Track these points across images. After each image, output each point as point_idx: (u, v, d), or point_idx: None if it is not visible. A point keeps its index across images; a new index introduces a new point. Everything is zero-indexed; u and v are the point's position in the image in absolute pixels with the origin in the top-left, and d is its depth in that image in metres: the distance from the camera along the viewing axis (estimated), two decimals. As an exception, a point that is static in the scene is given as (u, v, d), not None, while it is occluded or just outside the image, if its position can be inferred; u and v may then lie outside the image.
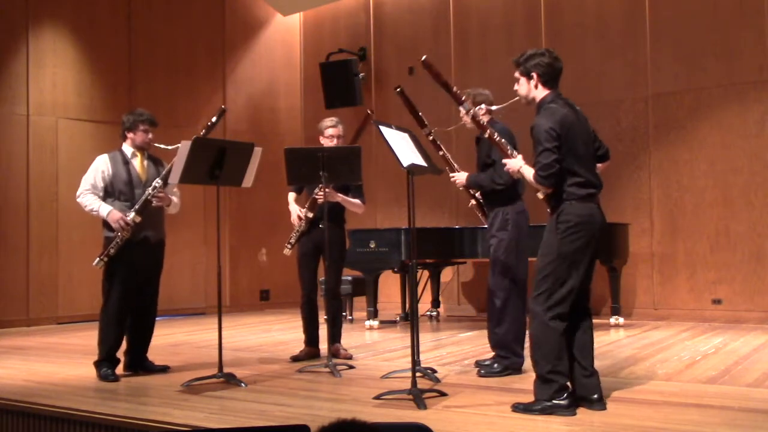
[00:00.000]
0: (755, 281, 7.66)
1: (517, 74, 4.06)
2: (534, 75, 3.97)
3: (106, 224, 5.08)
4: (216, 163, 4.75)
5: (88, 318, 8.49)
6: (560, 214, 3.83)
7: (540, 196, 3.96)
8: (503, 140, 4.31)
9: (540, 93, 3.99)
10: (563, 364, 3.79)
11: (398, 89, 5.06)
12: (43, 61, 8.73)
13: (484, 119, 4.71)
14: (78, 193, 5.12)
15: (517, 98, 4.15)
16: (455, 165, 5.13)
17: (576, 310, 3.88)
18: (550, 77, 3.97)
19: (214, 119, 5.16)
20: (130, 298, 5.11)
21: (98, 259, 5.04)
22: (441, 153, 5.12)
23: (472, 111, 4.64)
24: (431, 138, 5.11)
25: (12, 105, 8.53)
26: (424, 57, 4.80)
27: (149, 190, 5.07)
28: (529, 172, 3.90)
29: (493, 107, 4.91)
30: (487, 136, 4.40)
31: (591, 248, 3.84)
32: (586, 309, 3.95)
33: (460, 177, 5.04)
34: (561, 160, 3.79)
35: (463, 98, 4.77)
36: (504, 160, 4.18)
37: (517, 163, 4.06)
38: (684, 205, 8.07)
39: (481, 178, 4.96)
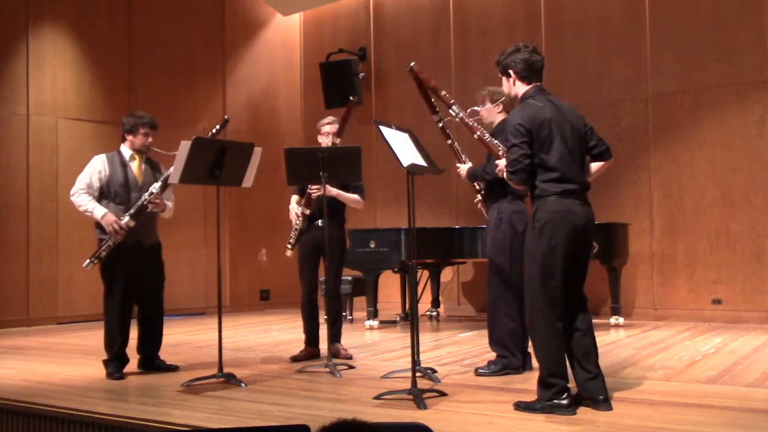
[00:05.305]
0: (755, 281, 7.66)
1: (499, 74, 4.08)
2: (511, 72, 3.98)
3: (99, 225, 5.08)
4: (216, 163, 4.75)
5: (88, 318, 8.49)
6: (535, 212, 3.80)
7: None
8: (495, 141, 4.34)
9: (521, 89, 3.98)
10: (563, 367, 3.78)
11: (410, 68, 4.86)
12: (43, 61, 8.73)
13: (484, 118, 4.81)
14: (72, 192, 5.11)
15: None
16: (462, 156, 5.02)
17: (569, 311, 3.82)
18: (528, 72, 3.95)
19: (216, 128, 5.07)
20: (130, 300, 5.16)
21: (88, 260, 5.03)
22: (449, 142, 5.03)
23: (461, 114, 4.67)
24: (441, 126, 5.00)
25: (12, 105, 8.52)
26: (412, 63, 4.80)
27: (146, 195, 5.06)
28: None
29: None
30: (477, 137, 4.43)
31: (571, 245, 3.72)
32: (579, 309, 3.85)
33: (463, 169, 4.98)
34: (530, 155, 3.76)
35: (452, 101, 4.78)
36: (497, 161, 4.21)
37: (502, 163, 4.06)
38: (684, 205, 8.07)
39: (476, 168, 4.90)
